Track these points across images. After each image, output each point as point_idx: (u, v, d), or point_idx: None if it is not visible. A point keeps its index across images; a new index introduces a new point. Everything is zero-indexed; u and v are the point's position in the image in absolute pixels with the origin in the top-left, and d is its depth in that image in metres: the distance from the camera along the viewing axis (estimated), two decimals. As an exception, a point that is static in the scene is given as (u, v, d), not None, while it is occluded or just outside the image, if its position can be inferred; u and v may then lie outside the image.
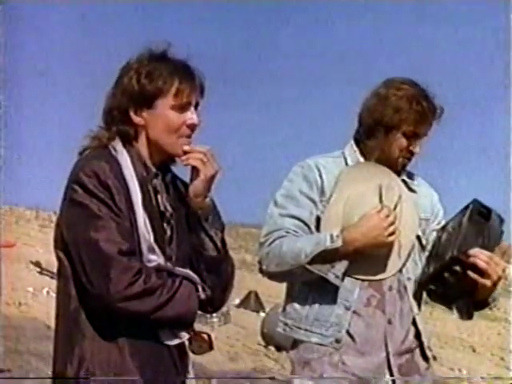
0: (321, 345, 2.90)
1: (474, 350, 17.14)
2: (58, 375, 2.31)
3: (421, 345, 2.99)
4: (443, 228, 2.97)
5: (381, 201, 2.90)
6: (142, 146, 2.36)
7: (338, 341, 2.89)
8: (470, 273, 2.78)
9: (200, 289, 2.35)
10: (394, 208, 2.90)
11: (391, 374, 2.92)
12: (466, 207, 2.90)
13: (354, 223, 2.87)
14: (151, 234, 2.29)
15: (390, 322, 2.93)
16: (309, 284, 2.92)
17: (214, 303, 2.42)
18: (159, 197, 2.37)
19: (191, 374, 2.42)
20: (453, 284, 2.85)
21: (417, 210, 3.02)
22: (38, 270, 15.00)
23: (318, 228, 2.94)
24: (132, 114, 2.33)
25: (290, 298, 3.00)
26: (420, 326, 2.98)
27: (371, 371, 2.91)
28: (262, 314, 14.64)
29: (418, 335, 2.98)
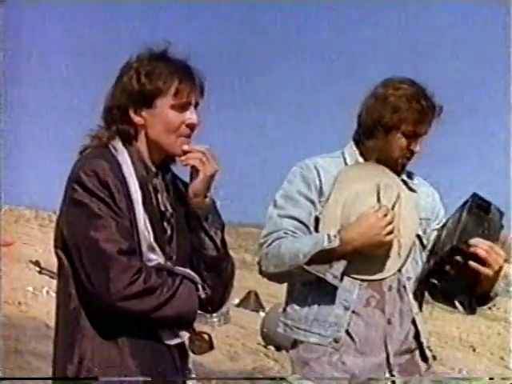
0: (320, 345, 2.90)
1: (473, 350, 17.16)
2: (58, 375, 2.31)
3: (420, 345, 2.99)
4: (443, 226, 2.97)
5: (378, 200, 2.90)
6: (141, 145, 2.36)
7: (336, 341, 2.89)
8: (471, 262, 2.76)
9: (200, 288, 2.35)
10: (392, 207, 2.89)
11: (391, 375, 2.92)
12: (466, 202, 2.90)
13: (352, 223, 2.87)
14: (151, 233, 2.29)
15: (389, 322, 2.93)
16: (308, 284, 2.92)
17: (214, 303, 2.42)
18: (159, 196, 2.37)
19: (192, 374, 2.42)
20: (454, 277, 2.83)
21: (417, 210, 3.02)
22: (38, 269, 14.98)
23: (316, 229, 2.93)
24: (132, 113, 2.34)
25: (290, 298, 3.00)
26: (419, 326, 2.97)
27: (371, 371, 2.91)
28: (262, 314, 14.65)
29: (417, 335, 2.98)
